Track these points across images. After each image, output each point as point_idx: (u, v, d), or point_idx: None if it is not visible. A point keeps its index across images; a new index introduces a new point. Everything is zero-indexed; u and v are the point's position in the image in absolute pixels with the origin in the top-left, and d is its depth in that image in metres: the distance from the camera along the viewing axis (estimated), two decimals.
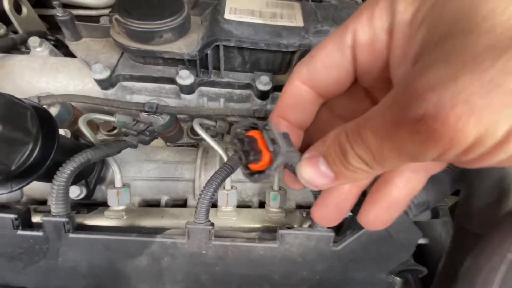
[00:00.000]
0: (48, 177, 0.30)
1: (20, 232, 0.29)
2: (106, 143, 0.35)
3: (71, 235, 0.29)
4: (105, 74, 0.42)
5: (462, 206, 0.35)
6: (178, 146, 0.55)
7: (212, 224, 0.29)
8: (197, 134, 0.50)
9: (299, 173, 0.17)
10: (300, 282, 0.30)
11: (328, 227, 0.29)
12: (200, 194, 0.28)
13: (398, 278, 0.30)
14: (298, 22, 0.44)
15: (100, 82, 0.43)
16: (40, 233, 0.29)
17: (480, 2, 0.12)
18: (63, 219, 0.29)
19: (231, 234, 0.31)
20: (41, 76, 0.48)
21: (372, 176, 0.18)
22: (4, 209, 0.29)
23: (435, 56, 0.12)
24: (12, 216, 0.29)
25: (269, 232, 0.34)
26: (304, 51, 0.42)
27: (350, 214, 0.45)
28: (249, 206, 0.48)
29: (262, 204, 0.46)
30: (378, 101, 0.14)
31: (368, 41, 0.16)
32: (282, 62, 0.45)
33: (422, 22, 0.14)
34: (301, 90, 0.19)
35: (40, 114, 0.29)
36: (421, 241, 0.53)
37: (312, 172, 0.16)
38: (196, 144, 0.55)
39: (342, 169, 0.15)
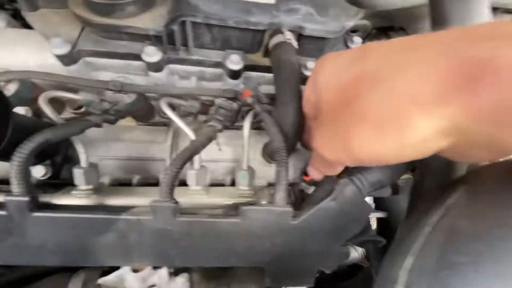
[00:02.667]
0: (8, 158, 0.30)
1: None
2: (68, 122, 0.34)
3: (35, 214, 0.29)
4: (65, 49, 0.40)
5: (415, 183, 0.38)
6: (150, 125, 0.54)
7: (177, 202, 0.30)
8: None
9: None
10: (262, 254, 0.33)
11: (287, 203, 0.31)
12: (163, 173, 0.29)
13: (350, 247, 0.33)
14: None
15: (61, 58, 0.41)
16: (4, 212, 0.29)
17: None
18: (25, 198, 0.28)
19: (197, 212, 0.32)
20: None
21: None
22: None
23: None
24: None
25: (236, 208, 0.36)
26: (275, 30, 0.42)
27: (310, 190, 0.47)
28: (222, 185, 0.50)
29: (234, 183, 0.48)
30: None
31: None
32: (253, 40, 0.44)
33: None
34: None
35: None
36: (379, 215, 0.58)
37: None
38: (169, 123, 0.54)
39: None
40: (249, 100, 0.38)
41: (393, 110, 0.19)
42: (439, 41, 0.18)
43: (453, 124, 0.17)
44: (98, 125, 0.36)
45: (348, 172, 0.32)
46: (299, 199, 0.43)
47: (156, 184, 0.48)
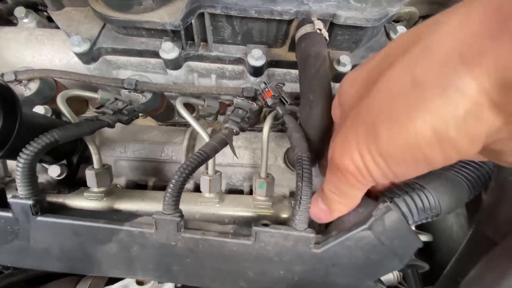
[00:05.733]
0: (12, 157, 0.29)
1: None
2: (78, 122, 0.32)
3: (38, 218, 0.28)
4: (84, 47, 0.39)
5: (486, 210, 0.30)
6: (170, 125, 0.53)
7: (181, 216, 0.27)
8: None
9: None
10: (277, 281, 0.28)
11: (309, 228, 0.26)
12: (168, 184, 0.26)
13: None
14: None
15: (80, 56, 0.40)
16: (10, 214, 0.28)
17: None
18: (29, 202, 0.27)
19: (203, 226, 0.28)
20: (27, 49, 0.46)
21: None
22: None
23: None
24: None
25: (248, 224, 0.31)
26: (303, 20, 0.36)
27: None
28: (240, 191, 0.46)
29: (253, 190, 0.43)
30: None
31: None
32: (277, 33, 0.39)
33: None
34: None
35: (1, 91, 0.27)
36: (425, 238, 0.49)
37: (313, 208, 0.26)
38: (188, 124, 0.52)
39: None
40: (270, 101, 0.33)
41: (432, 72, 0.15)
42: None
43: (503, 79, 0.13)
44: (110, 125, 0.34)
45: (391, 192, 0.25)
46: None
47: None
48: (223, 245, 0.27)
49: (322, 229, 0.31)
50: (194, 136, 0.45)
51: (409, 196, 0.24)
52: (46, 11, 0.53)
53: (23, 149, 0.27)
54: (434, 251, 0.55)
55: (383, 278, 0.58)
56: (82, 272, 0.30)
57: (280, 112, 0.33)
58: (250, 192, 0.44)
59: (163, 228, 0.27)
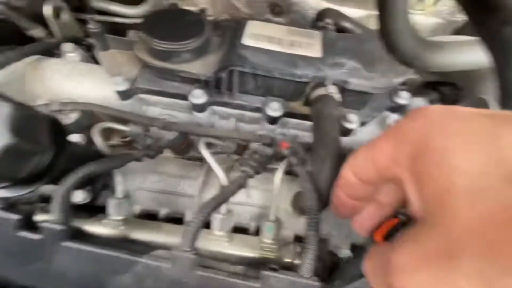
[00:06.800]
0: (56, 182, 0.32)
1: (20, 233, 0.30)
2: (113, 156, 0.36)
3: (65, 243, 0.30)
4: (125, 86, 0.44)
5: None
6: (186, 158, 0.56)
7: (197, 254, 0.29)
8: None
9: None
10: None
11: (315, 276, 0.28)
12: (189, 222, 0.28)
13: None
14: (316, 52, 0.44)
15: (119, 93, 0.45)
16: (37, 237, 0.30)
17: (452, 187, 0.14)
18: (60, 227, 0.30)
19: (215, 265, 0.30)
20: (69, 81, 0.52)
21: None
22: (10, 209, 0.31)
23: (410, 236, 0.16)
24: (16, 217, 0.30)
25: (257, 266, 0.33)
26: (318, 83, 0.42)
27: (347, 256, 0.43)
28: (246, 229, 0.48)
29: (259, 230, 0.45)
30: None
31: (383, 166, 0.19)
32: (295, 90, 0.45)
33: (414, 180, 0.16)
34: (350, 177, 0.23)
35: (52, 124, 0.31)
36: None
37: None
38: (203, 158, 0.56)
39: None
40: (286, 152, 0.37)
41: None
42: None
43: None
44: (138, 159, 0.38)
45: None
46: (328, 264, 0.39)
47: (181, 219, 0.47)
48: (232, 286, 0.29)
49: (326, 277, 0.33)
50: (208, 172, 0.48)
51: None
52: (88, 46, 0.60)
53: (64, 179, 0.30)
54: None
55: None
56: None
57: (294, 163, 0.36)
58: (256, 232, 0.46)
59: (179, 264, 0.29)
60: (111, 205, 0.38)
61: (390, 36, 0.33)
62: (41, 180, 0.30)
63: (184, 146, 0.50)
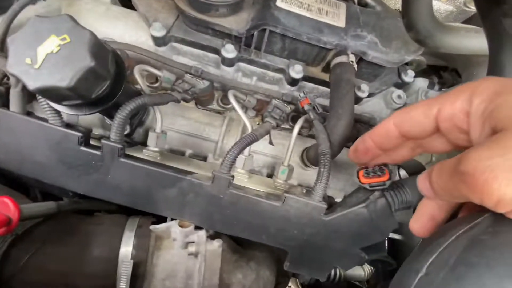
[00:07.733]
0: (106, 111, 0.37)
1: (82, 148, 0.36)
2: (158, 93, 0.41)
3: (121, 159, 0.36)
4: (162, 33, 0.48)
5: None
6: (207, 110, 0.62)
7: (233, 176, 0.36)
8: (226, 103, 0.57)
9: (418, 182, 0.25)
10: (290, 238, 0.38)
11: (323, 200, 0.36)
12: (229, 150, 0.35)
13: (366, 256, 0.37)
14: (341, 22, 0.49)
15: (155, 39, 0.49)
16: (98, 152, 0.36)
17: None
18: (118, 145, 0.36)
19: (244, 188, 0.38)
20: (103, 21, 0.54)
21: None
22: (72, 127, 0.37)
23: (487, 143, 0.19)
24: (79, 134, 0.36)
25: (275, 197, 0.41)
26: (340, 51, 0.47)
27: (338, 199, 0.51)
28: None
29: (269, 176, 0.53)
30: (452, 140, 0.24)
31: (448, 117, 0.23)
32: (317, 56, 0.50)
33: (486, 118, 0.20)
34: (391, 129, 0.26)
35: (114, 55, 0.35)
36: (397, 236, 0.60)
37: (422, 185, 0.24)
38: (222, 111, 0.61)
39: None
40: (306, 107, 0.43)
41: None
42: None
43: None
44: (177, 101, 0.43)
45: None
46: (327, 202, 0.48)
47: (203, 160, 0.54)
48: (258, 203, 0.36)
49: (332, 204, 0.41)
50: (230, 123, 0.54)
51: (394, 191, 0.35)
52: None
53: (123, 106, 0.36)
54: (401, 254, 0.67)
55: (357, 274, 0.69)
56: (142, 208, 0.39)
57: (312, 116, 0.43)
58: (267, 177, 0.54)
59: (218, 183, 0.36)
60: (151, 137, 0.43)
61: (410, 14, 0.39)
62: (103, 105, 0.35)
63: (208, 97, 0.55)
